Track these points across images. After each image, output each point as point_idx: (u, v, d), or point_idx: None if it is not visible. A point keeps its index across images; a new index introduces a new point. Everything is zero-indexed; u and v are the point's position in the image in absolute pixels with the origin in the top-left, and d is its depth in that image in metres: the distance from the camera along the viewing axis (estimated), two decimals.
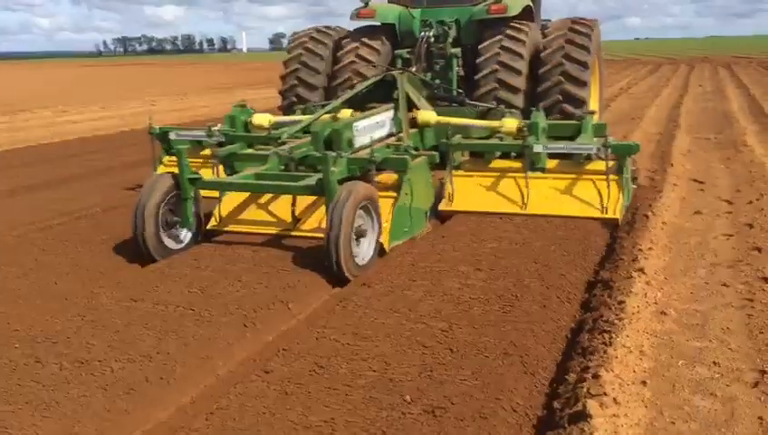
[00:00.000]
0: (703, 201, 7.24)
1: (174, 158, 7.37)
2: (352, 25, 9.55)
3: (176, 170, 5.94)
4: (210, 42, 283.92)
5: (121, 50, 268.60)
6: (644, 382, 3.50)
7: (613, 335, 3.85)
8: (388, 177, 6.25)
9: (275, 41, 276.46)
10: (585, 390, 3.31)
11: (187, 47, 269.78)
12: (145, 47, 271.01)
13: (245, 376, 3.70)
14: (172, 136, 7.97)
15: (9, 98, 26.06)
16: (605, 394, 3.24)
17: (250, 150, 6.82)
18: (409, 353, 3.86)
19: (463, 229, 6.31)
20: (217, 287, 4.88)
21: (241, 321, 4.36)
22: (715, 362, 3.72)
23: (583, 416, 3.08)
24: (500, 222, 6.50)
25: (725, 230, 6.16)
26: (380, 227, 5.73)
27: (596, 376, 3.47)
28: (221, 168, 6.73)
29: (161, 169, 7.82)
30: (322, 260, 5.25)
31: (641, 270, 4.95)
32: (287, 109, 9.24)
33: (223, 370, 3.89)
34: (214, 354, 3.97)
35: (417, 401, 3.34)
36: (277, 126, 7.78)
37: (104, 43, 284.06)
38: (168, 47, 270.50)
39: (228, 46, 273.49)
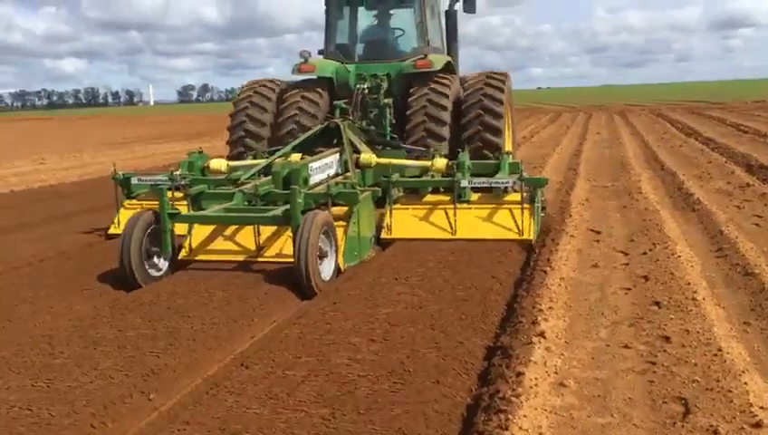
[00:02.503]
0: (599, 253, 7.11)
1: (133, 201, 8.67)
2: (294, 79, 10.43)
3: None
4: (115, 95, 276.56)
5: (19, 105, 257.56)
6: None
7: (510, 416, 3.47)
8: (339, 209, 7.10)
9: (184, 93, 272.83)
10: None
11: (91, 100, 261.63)
12: (45, 101, 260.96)
13: None
14: (134, 181, 8.65)
15: None
16: None
17: (218, 190, 7.63)
18: None
19: (356, 293, 5.89)
20: (68, 379, 4.23)
21: (88, 421, 3.72)
22: None
23: None
24: (395, 283, 6.14)
25: (623, 284, 5.99)
26: (337, 248, 6.63)
27: None
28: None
29: (123, 212, 8.52)
30: (196, 337, 4.73)
31: (542, 334, 4.64)
32: (235, 158, 9.82)
33: None
34: None
35: None
36: (233, 169, 8.64)
37: (0, 97, 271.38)
38: (71, 101, 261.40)
39: (135, 99, 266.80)
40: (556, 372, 4.14)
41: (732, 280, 6.09)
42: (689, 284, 5.73)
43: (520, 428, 3.37)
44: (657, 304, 5.36)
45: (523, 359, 4.25)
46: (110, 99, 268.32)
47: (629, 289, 5.83)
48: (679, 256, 6.62)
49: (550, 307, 5.25)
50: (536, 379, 3.95)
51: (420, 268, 6.58)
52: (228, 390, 4.08)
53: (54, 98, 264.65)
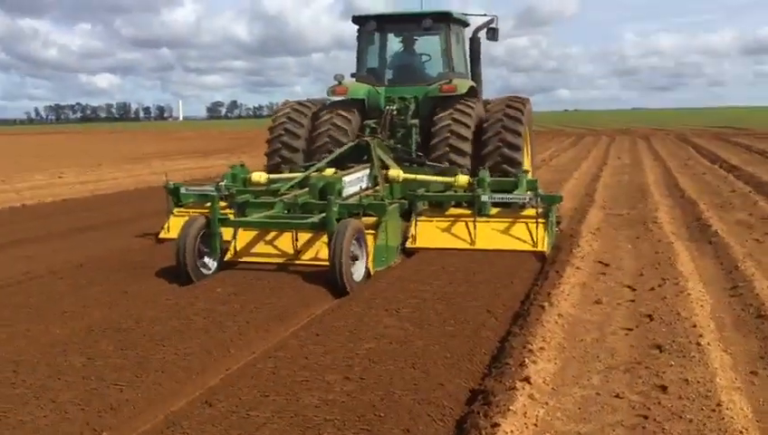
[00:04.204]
0: (604, 287, 6.76)
1: (182, 208, 9.57)
2: (328, 100, 11.30)
3: (184, 219, 7.80)
4: (146, 110, 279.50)
5: (53, 118, 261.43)
6: None
7: None
8: (368, 219, 7.65)
9: (213, 109, 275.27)
10: None
11: (123, 115, 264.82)
12: (79, 115, 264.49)
13: None
14: (182, 190, 9.55)
15: None
16: None
17: (261, 199, 8.25)
18: None
19: (341, 325, 5.62)
20: (22, 412, 4.02)
21: None
22: None
23: None
24: (384, 314, 5.86)
25: (625, 323, 5.63)
26: (367, 253, 7.24)
27: None
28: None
29: (172, 219, 9.46)
30: (165, 368, 4.51)
31: (527, 379, 4.32)
32: (272, 168, 10.68)
33: None
34: None
35: None
36: (272, 181, 9.45)
37: (36, 110, 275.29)
38: (104, 115, 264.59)
39: (165, 115, 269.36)
40: (536, 425, 3.82)
41: (743, 322, 5.71)
42: (695, 326, 5.36)
43: None
44: (659, 347, 5.01)
45: (503, 407, 3.93)
46: (141, 114, 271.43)
47: (631, 329, 5.48)
48: (689, 294, 6.25)
49: (542, 348, 4.93)
50: (512, 432, 3.64)
51: (413, 299, 6.30)
52: (185, 430, 3.84)
53: (88, 112, 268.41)
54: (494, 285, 6.80)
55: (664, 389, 4.27)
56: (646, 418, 3.90)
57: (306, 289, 6.68)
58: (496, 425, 3.69)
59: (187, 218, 7.75)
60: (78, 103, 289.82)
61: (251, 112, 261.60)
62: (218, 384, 4.63)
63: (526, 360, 4.64)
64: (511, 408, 3.90)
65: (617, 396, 4.22)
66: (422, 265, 7.60)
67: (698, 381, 4.33)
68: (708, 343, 4.99)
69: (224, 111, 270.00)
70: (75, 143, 52.58)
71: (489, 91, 12.16)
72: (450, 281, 6.93)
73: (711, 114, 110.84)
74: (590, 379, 4.51)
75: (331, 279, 6.63)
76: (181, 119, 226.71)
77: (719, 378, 4.39)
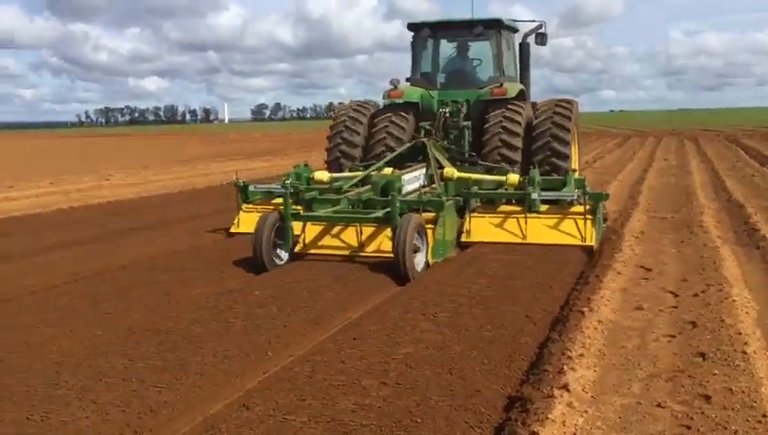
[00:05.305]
0: (646, 293, 6.61)
1: (250, 205, 10.20)
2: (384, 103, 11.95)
3: (253, 214, 9.36)
4: (193, 112, 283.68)
5: (103, 120, 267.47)
6: None
7: None
8: (427, 214, 8.17)
9: (258, 111, 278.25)
10: None
11: (170, 118, 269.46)
12: (127, 118, 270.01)
13: None
14: (251, 188, 10.24)
15: None
16: None
17: (326, 196, 8.83)
18: None
19: (378, 329, 5.62)
20: (64, 413, 4.10)
21: None
22: None
23: None
24: (421, 319, 5.84)
25: (667, 330, 5.50)
26: (428, 245, 7.81)
27: None
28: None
29: (242, 215, 10.17)
30: (204, 371, 4.55)
31: (565, 387, 4.24)
32: (332, 163, 11.48)
33: None
34: None
35: None
36: (334, 180, 10.09)
37: (86, 113, 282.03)
38: (151, 117, 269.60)
39: (211, 117, 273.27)
40: (575, 434, 3.74)
41: None
42: (740, 333, 5.21)
43: None
44: (702, 355, 4.88)
45: (541, 415, 3.88)
46: (187, 116, 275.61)
47: (674, 337, 5.35)
48: (734, 301, 6.08)
49: (581, 354, 4.84)
50: None
51: (451, 304, 6.27)
52: (222, 433, 3.88)
53: (136, 114, 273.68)
54: (533, 290, 6.73)
55: (708, 398, 4.16)
56: (689, 428, 3.80)
57: (343, 293, 6.70)
58: (534, 433, 3.64)
59: (255, 214, 8.68)
60: (127, 106, 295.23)
61: (294, 114, 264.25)
62: (256, 387, 4.66)
63: (565, 367, 4.56)
64: (549, 416, 3.84)
65: (659, 405, 4.11)
66: (460, 269, 7.56)
67: (743, 392, 4.20)
68: (754, 352, 4.84)
69: (268, 113, 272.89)
70: (123, 146, 53.74)
71: (533, 92, 12.78)
72: (488, 285, 6.88)
73: (760, 114, 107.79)
74: (630, 387, 4.41)
75: (394, 268, 7.24)
76: (227, 121, 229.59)
77: (765, 388, 4.26)
